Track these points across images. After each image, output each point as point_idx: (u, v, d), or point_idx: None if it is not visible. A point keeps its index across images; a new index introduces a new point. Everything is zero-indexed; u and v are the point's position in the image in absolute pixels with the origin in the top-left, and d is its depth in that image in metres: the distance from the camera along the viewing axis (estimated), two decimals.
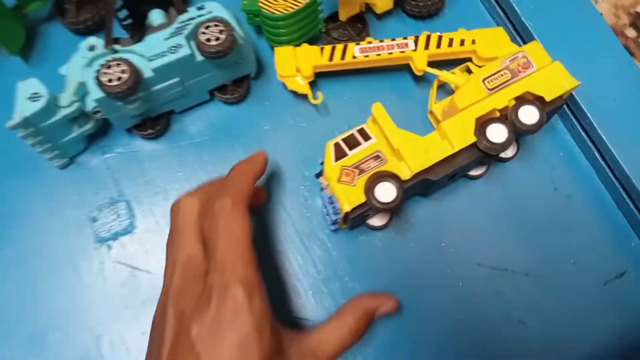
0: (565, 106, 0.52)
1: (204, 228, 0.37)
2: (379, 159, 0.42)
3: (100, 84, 0.39)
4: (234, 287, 0.33)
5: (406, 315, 0.46)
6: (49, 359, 0.44)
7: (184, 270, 0.36)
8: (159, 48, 0.41)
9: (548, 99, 0.44)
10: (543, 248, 0.49)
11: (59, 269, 0.46)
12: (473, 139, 0.43)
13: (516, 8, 0.53)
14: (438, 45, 0.49)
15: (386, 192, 0.41)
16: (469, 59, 0.50)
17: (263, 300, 0.34)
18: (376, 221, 0.47)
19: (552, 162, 0.52)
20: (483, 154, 0.43)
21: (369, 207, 0.41)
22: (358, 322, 0.39)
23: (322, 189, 0.44)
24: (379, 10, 0.52)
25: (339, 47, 0.49)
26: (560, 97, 0.45)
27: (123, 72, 0.39)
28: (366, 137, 0.43)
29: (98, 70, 0.39)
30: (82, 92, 0.42)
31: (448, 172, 0.43)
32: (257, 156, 0.43)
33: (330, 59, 0.48)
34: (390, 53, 0.49)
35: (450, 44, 0.49)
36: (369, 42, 0.49)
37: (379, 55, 0.49)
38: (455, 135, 0.43)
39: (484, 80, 0.44)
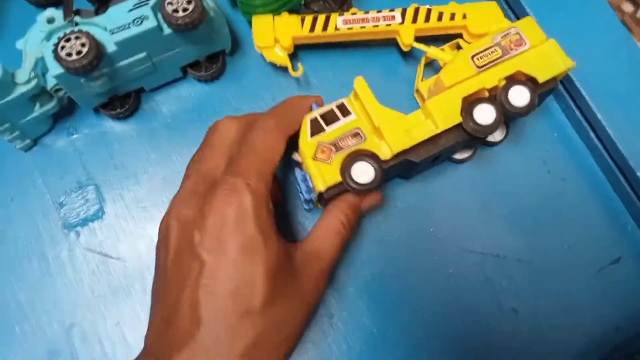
0: (559, 84, 0.49)
1: (234, 151, 0.36)
2: (358, 137, 0.40)
3: (58, 58, 0.36)
4: (243, 194, 0.32)
5: (396, 303, 0.44)
6: (17, 351, 0.43)
7: (196, 181, 0.35)
8: (122, 20, 0.38)
9: (541, 80, 0.41)
10: (536, 233, 0.47)
11: (25, 257, 0.44)
12: (459, 120, 0.40)
13: None
14: (427, 19, 0.46)
15: (364, 173, 0.39)
16: (460, 35, 0.47)
17: (269, 212, 0.33)
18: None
19: (545, 143, 0.49)
20: (469, 136, 0.41)
21: (345, 187, 0.39)
22: (347, 215, 0.38)
23: (295, 166, 0.42)
24: None
25: (321, 18, 0.46)
26: (553, 78, 0.42)
27: (83, 45, 0.36)
28: (345, 113, 0.41)
29: (56, 44, 0.36)
30: (41, 68, 0.40)
31: (431, 154, 0.41)
32: (313, 97, 0.42)
33: (311, 29, 0.46)
34: (376, 26, 0.46)
35: (439, 18, 0.46)
36: (353, 14, 0.46)
37: (363, 28, 0.46)
38: (440, 114, 0.40)
39: (472, 57, 0.42)
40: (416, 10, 0.46)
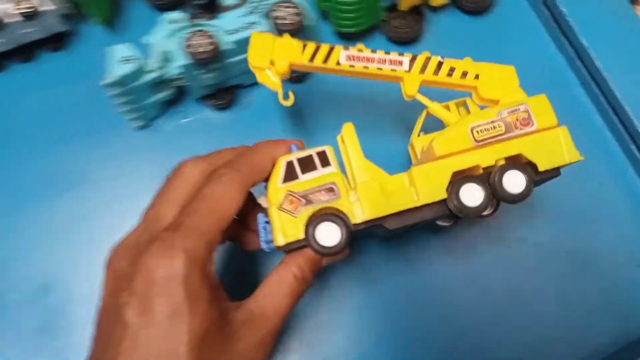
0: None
1: (188, 201, 0.34)
2: (332, 193, 0.37)
3: (188, 50, 0.44)
4: (175, 254, 0.30)
5: None
6: None
7: (142, 230, 0.34)
8: (235, 24, 0.47)
9: (542, 168, 0.38)
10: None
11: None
12: (443, 195, 0.37)
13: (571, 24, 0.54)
14: (436, 72, 0.42)
15: (330, 235, 0.36)
16: (469, 94, 0.44)
17: (204, 274, 0.31)
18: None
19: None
20: (451, 214, 0.38)
21: (306, 244, 0.36)
22: (303, 269, 0.36)
23: (260, 209, 0.39)
24: (435, 2, 0.56)
25: (324, 49, 0.42)
26: (556, 168, 0.38)
27: (206, 41, 0.44)
28: (325, 163, 0.38)
29: (186, 38, 0.44)
30: (165, 59, 0.47)
31: (407, 224, 0.38)
32: (289, 141, 0.39)
33: (311, 59, 0.42)
34: (380, 69, 0.42)
35: (450, 73, 0.42)
36: (359, 50, 0.42)
37: (366, 68, 0.42)
38: (424, 186, 0.37)
39: (472, 129, 0.38)
40: (427, 60, 0.42)
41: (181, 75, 0.47)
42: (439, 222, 0.44)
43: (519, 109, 0.39)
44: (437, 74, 0.42)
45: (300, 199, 0.37)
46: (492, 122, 0.38)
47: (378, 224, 0.38)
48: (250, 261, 0.48)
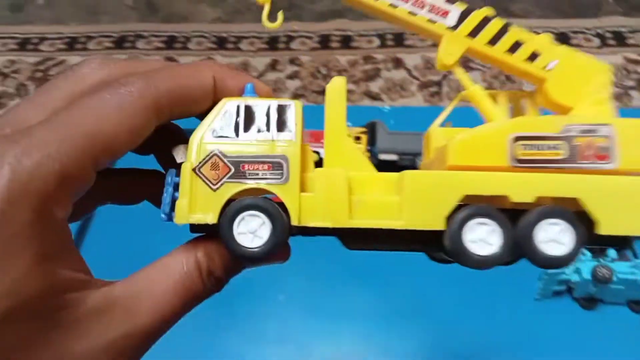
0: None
1: None
2: (278, 172, 0.24)
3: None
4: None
5: None
6: None
7: None
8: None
9: (603, 231, 0.24)
10: None
11: None
12: (439, 225, 0.24)
13: None
14: (493, 41, 0.28)
15: (255, 231, 0.24)
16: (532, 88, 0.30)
17: (38, 218, 0.21)
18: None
19: None
20: (443, 254, 0.25)
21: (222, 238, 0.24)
22: (211, 256, 0.25)
23: (172, 163, 0.27)
24: None
25: None
26: (627, 237, 0.25)
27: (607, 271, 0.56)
28: (282, 124, 0.25)
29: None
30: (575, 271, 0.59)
31: (371, 248, 0.25)
32: (248, 77, 0.28)
33: None
34: (412, 14, 0.28)
35: (512, 49, 0.28)
36: None
37: (393, 6, 0.28)
38: (416, 204, 0.24)
39: (515, 139, 0.25)
40: (484, 21, 0.28)
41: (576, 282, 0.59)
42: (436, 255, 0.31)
43: (597, 131, 0.25)
44: (494, 44, 0.28)
45: (229, 166, 0.24)
46: (550, 138, 0.25)
47: (333, 234, 0.25)
48: None
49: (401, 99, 0.90)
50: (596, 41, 0.98)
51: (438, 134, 0.29)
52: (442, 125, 0.30)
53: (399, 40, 0.99)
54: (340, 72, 0.95)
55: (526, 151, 0.24)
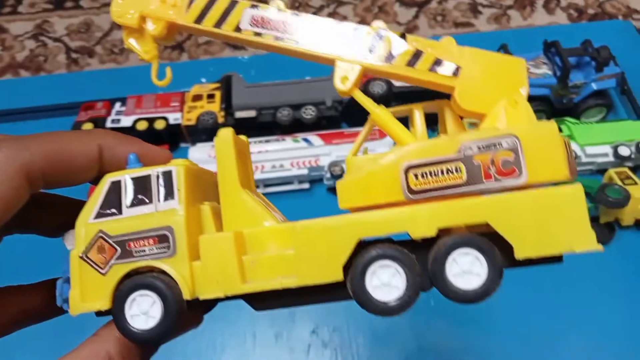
0: None
1: None
2: (164, 245, 0.23)
3: None
4: None
5: None
6: None
7: None
8: None
9: (521, 254, 0.21)
10: None
11: None
12: (337, 277, 0.22)
13: None
14: (388, 58, 0.26)
15: (148, 313, 0.23)
16: (448, 96, 0.27)
17: None
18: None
19: None
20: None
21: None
22: (119, 351, 0.24)
23: (66, 245, 0.26)
24: None
25: (222, 3, 0.27)
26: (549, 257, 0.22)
27: None
28: (168, 192, 0.24)
29: None
30: None
31: (280, 307, 0.24)
32: (137, 145, 0.26)
33: (199, 20, 0.27)
34: (297, 45, 0.26)
35: (411, 62, 0.25)
36: (277, 10, 0.27)
37: (278, 40, 0.27)
38: (310, 257, 0.22)
39: (408, 169, 0.22)
40: (377, 36, 0.26)
41: None
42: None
43: (499, 144, 0.22)
44: (390, 62, 0.26)
45: (115, 247, 0.23)
46: (445, 161, 0.22)
47: (234, 299, 0.24)
48: None
49: None
50: None
51: (354, 165, 0.27)
52: (359, 153, 0.28)
53: None
54: None
55: (420, 180, 0.22)
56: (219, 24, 0.27)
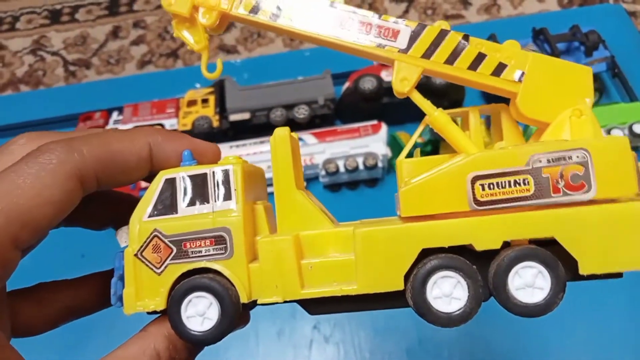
0: None
1: None
2: (220, 246, 0.23)
3: None
4: None
5: None
6: None
7: None
8: None
9: (586, 270, 0.21)
10: None
11: None
12: (398, 286, 0.22)
13: None
14: (451, 59, 0.25)
15: (204, 314, 0.23)
16: (507, 100, 0.26)
17: None
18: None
19: None
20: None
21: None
22: (170, 348, 0.24)
23: (120, 244, 0.26)
24: None
25: None
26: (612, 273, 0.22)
27: None
28: (226, 192, 0.24)
29: None
30: None
31: (335, 312, 0.24)
32: (189, 141, 0.26)
33: (254, 11, 0.26)
34: (357, 43, 0.26)
35: (474, 65, 0.25)
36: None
37: (337, 37, 0.26)
38: (371, 265, 0.22)
39: (474, 179, 0.22)
40: (440, 37, 0.25)
41: None
42: None
43: (569, 158, 0.22)
44: (453, 63, 0.25)
45: (171, 246, 0.23)
46: (514, 173, 0.22)
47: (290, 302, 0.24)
48: None
49: (259, 47, 0.83)
50: None
51: (405, 167, 0.27)
52: (410, 155, 0.27)
53: None
54: None
55: (487, 191, 0.22)
56: (274, 16, 0.26)
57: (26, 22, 0.95)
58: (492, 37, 0.66)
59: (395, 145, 0.61)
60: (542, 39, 0.65)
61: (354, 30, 0.26)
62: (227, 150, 0.63)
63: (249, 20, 0.27)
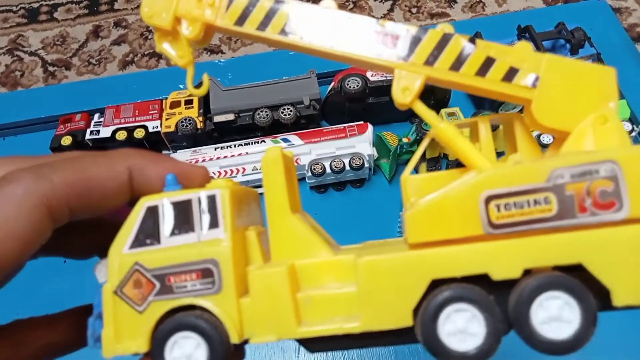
0: None
1: None
2: (210, 281, 0.21)
3: None
4: None
5: None
6: None
7: None
8: None
9: (620, 302, 0.19)
10: None
11: None
12: (407, 322, 0.20)
13: None
14: (456, 65, 0.23)
15: (191, 357, 0.21)
16: (520, 108, 0.24)
17: None
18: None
19: None
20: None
21: None
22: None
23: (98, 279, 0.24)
24: None
25: (266, 2, 0.24)
26: None
27: None
28: (212, 220, 0.21)
29: None
30: None
31: (337, 349, 0.21)
32: (172, 163, 0.23)
33: (240, 22, 0.24)
34: (350, 51, 0.23)
35: (483, 71, 0.23)
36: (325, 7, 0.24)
37: (330, 46, 0.24)
38: (375, 299, 0.20)
39: (488, 199, 0.19)
40: (443, 42, 0.23)
41: None
42: None
43: (596, 172, 0.19)
44: (459, 69, 0.23)
45: (153, 281, 0.21)
46: (533, 191, 0.19)
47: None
48: None
49: (244, 47, 0.80)
50: None
51: (411, 185, 0.24)
52: (415, 171, 0.25)
53: None
54: None
55: (503, 212, 0.19)
56: (263, 26, 0.24)
57: (1, 20, 0.93)
58: (477, 35, 0.64)
59: (381, 146, 0.59)
60: (527, 37, 0.63)
61: (349, 38, 0.23)
62: (212, 151, 0.61)
63: (235, 31, 0.25)
